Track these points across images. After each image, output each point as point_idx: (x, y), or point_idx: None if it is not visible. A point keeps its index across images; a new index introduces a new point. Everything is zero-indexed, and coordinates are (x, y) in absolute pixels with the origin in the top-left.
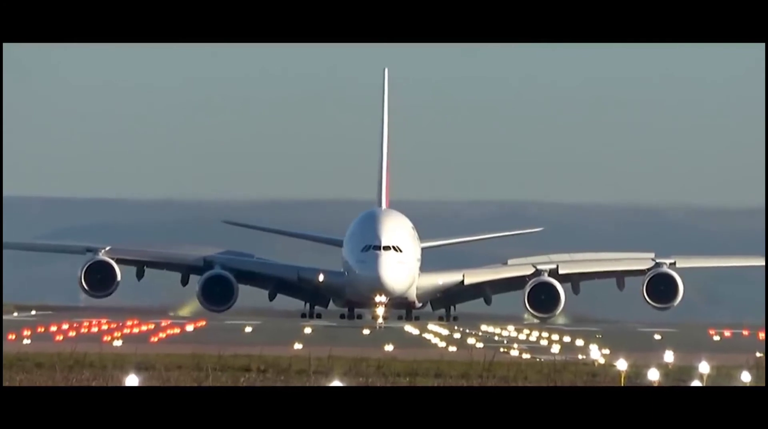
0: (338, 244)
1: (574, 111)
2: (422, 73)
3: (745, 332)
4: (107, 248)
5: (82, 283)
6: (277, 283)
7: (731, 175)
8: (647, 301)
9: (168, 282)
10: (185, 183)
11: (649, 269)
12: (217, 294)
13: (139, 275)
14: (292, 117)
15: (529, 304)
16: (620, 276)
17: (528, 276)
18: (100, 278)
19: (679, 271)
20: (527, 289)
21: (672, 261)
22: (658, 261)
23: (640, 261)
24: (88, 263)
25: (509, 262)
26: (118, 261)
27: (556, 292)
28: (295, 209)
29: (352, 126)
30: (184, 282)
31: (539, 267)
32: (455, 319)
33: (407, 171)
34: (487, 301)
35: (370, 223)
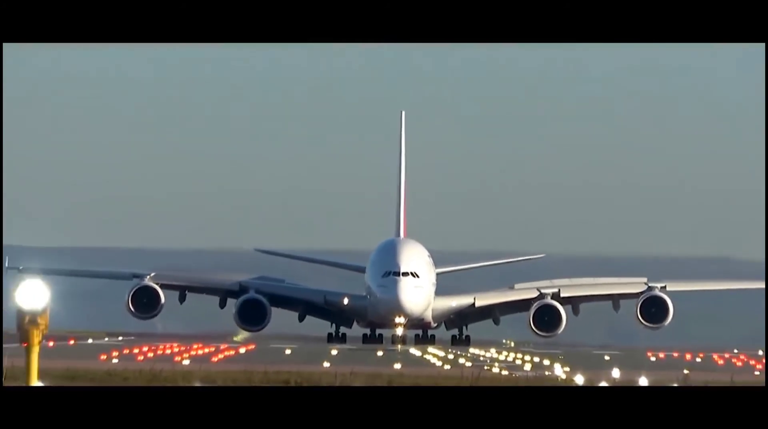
0: (361, 270)
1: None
2: (418, 132)
3: (691, 356)
4: (152, 274)
5: (129, 306)
6: (306, 305)
7: (732, 168)
8: (640, 321)
9: (207, 305)
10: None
11: (641, 292)
12: (252, 316)
13: (181, 299)
14: (300, 167)
15: (534, 325)
16: (616, 299)
17: (533, 299)
18: (146, 302)
19: (670, 294)
20: (532, 310)
21: (663, 285)
22: (650, 285)
23: (634, 285)
24: (135, 288)
25: (516, 286)
26: (162, 286)
27: (558, 314)
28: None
29: (364, 180)
30: (222, 305)
31: (543, 291)
32: (467, 338)
33: (408, 221)
34: (496, 322)
35: (390, 250)
